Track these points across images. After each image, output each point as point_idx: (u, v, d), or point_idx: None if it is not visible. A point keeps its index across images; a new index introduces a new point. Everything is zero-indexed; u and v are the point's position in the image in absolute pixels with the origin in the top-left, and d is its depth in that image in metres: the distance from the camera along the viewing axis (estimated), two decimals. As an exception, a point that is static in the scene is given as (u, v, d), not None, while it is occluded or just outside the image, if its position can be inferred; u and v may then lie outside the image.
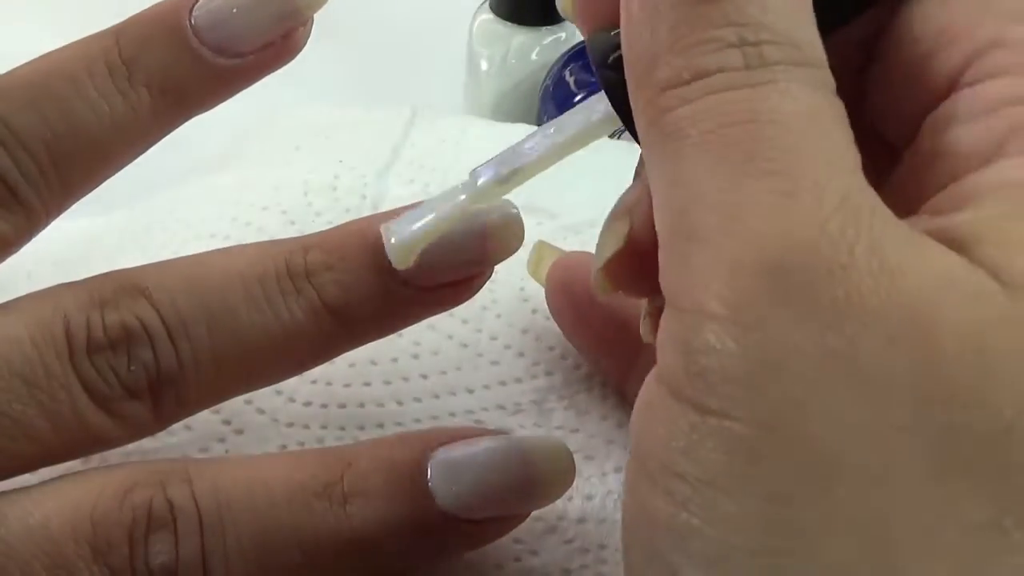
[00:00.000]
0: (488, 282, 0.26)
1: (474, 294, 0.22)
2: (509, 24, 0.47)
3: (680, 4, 0.15)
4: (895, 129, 0.17)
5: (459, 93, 0.50)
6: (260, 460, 0.20)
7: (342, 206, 0.27)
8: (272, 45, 0.21)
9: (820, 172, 0.14)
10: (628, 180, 0.19)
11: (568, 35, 0.48)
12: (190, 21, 0.20)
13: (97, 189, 0.25)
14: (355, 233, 0.21)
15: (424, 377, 0.24)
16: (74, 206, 0.21)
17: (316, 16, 0.22)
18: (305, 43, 0.21)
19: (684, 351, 0.14)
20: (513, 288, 0.26)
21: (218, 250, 0.21)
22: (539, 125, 0.34)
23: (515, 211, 0.21)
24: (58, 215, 0.20)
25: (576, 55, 0.46)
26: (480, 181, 0.19)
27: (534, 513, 0.21)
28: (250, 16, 0.20)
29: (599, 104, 0.18)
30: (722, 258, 0.14)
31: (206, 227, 0.27)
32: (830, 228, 0.13)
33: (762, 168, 0.14)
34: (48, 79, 0.20)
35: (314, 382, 0.24)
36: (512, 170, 0.19)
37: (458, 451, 0.20)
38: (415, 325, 0.23)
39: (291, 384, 0.23)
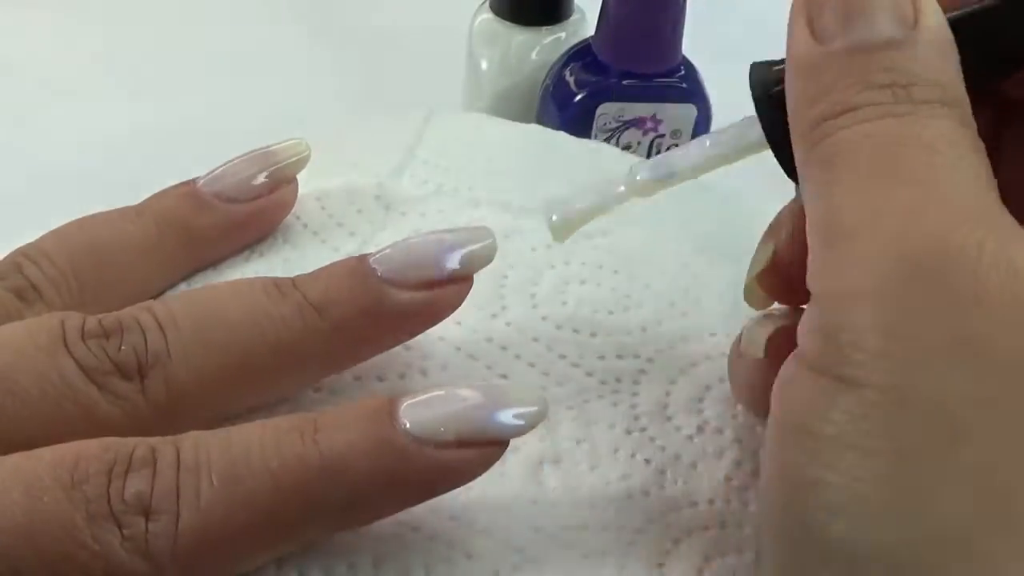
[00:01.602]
0: (498, 287, 0.26)
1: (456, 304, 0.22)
2: (509, 24, 0.47)
3: (839, 55, 0.18)
4: None
5: (459, 93, 0.50)
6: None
7: (354, 208, 0.27)
8: (260, 196, 0.26)
9: (957, 186, 0.17)
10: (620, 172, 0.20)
11: (568, 35, 0.48)
12: (196, 182, 0.25)
13: (88, 189, 0.27)
14: (344, 263, 0.22)
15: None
16: (70, 197, 0.24)
17: (316, 17, 0.24)
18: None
19: (825, 331, 0.17)
20: (524, 293, 0.26)
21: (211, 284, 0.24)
22: (539, 125, 0.34)
23: (491, 238, 0.23)
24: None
25: (576, 55, 0.46)
26: (639, 176, 0.21)
27: (535, 524, 0.21)
28: (242, 170, 0.26)
29: (753, 127, 0.20)
30: (866, 250, 0.16)
31: None
32: (964, 231, 0.16)
33: (906, 180, 0.17)
34: (83, 220, 0.24)
35: (318, 390, 0.23)
36: (670, 172, 0.21)
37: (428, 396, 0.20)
38: (424, 337, 0.23)
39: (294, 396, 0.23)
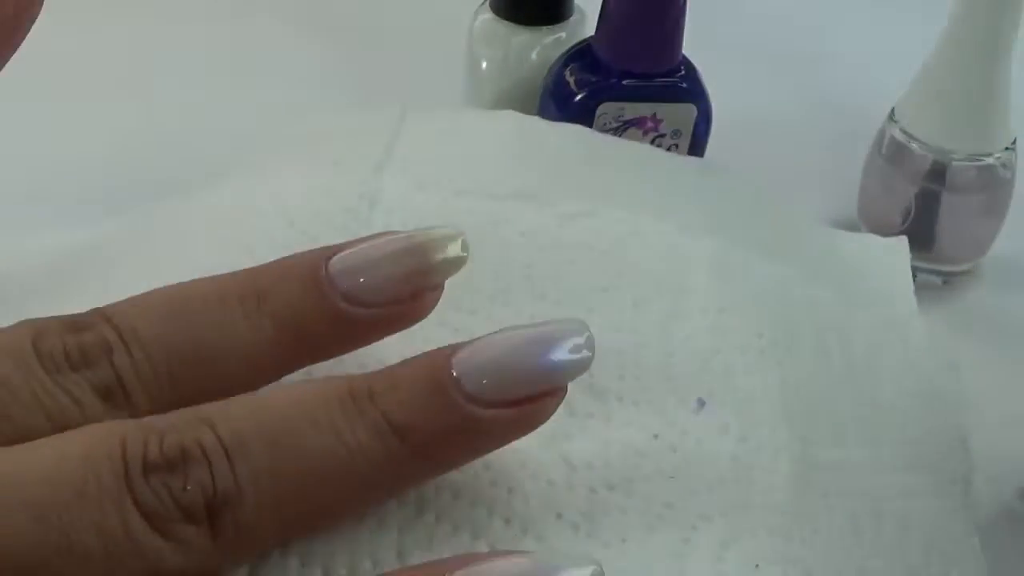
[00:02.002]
0: (493, 271, 0.26)
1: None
2: (509, 24, 0.47)
3: None
4: None
5: (459, 93, 0.50)
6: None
7: (340, 205, 0.28)
8: (400, 303, 0.22)
9: None
10: (623, 175, 0.20)
11: (568, 35, 0.48)
12: (326, 268, 0.21)
13: (88, 191, 0.25)
14: (423, 365, 0.20)
15: None
16: (70, 212, 0.21)
17: (315, 15, 0.23)
18: (433, 308, 0.22)
19: None
20: (519, 275, 0.26)
21: (279, 383, 0.21)
22: (511, 110, 0.34)
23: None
24: None
25: (576, 55, 0.46)
26: None
27: (556, 508, 0.21)
28: (383, 270, 0.21)
29: None
30: None
31: (213, 239, 0.27)
32: None
33: None
34: (183, 298, 0.21)
35: None
36: None
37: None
38: (427, 323, 0.23)
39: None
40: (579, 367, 0.20)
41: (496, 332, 0.20)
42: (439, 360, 0.20)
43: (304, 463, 0.19)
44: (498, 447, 0.21)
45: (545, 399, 0.20)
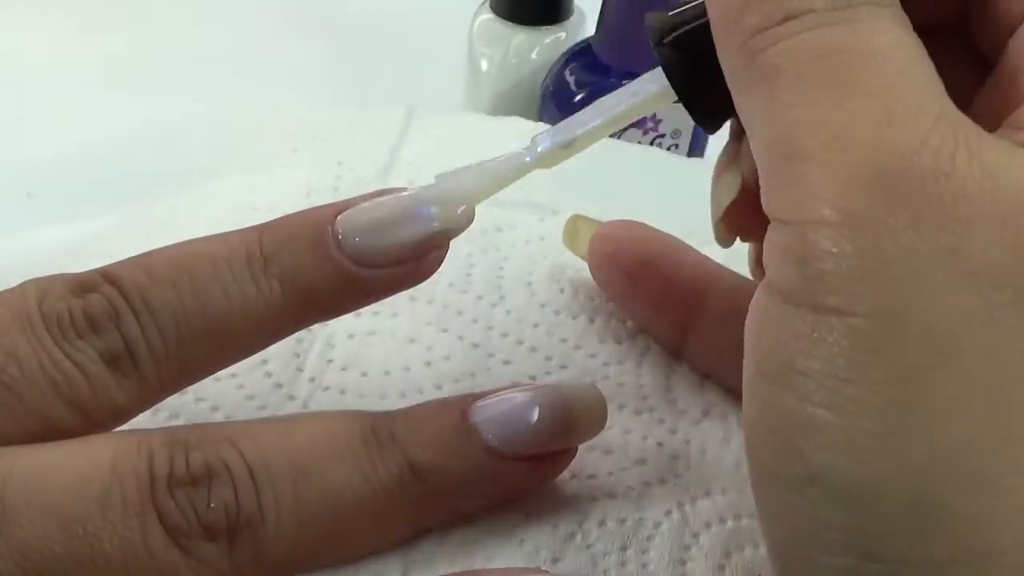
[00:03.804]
0: (495, 278, 0.26)
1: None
2: (509, 24, 0.47)
3: None
4: (989, 47, 0.18)
5: (459, 93, 0.50)
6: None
7: None
8: (406, 263, 0.21)
9: (915, 94, 0.15)
10: (624, 180, 0.20)
11: (568, 35, 0.48)
12: (333, 228, 0.21)
13: (87, 187, 0.24)
14: (441, 407, 0.21)
15: (438, 388, 0.24)
16: (69, 208, 0.21)
17: (316, 16, 0.22)
18: (438, 267, 0.21)
19: (798, 259, 0.15)
20: (521, 283, 0.26)
21: (303, 413, 0.22)
22: (518, 116, 0.34)
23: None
24: (170, 393, 0.20)
25: (576, 55, 0.46)
26: (541, 147, 0.21)
27: (553, 521, 0.21)
28: (390, 232, 0.21)
29: (653, 81, 0.20)
30: (833, 172, 0.15)
31: (209, 231, 0.27)
32: (932, 140, 0.15)
33: (862, 92, 0.15)
34: (190, 260, 0.20)
35: (327, 388, 0.23)
36: (573, 137, 0.21)
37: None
38: (425, 328, 0.23)
39: (304, 389, 0.23)
40: (594, 432, 0.21)
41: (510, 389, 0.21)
42: (460, 409, 0.20)
43: (327, 494, 0.19)
44: (511, 496, 0.21)
45: (559, 457, 0.21)
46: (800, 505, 0.16)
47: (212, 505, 0.18)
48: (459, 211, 0.21)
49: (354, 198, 0.21)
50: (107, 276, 0.20)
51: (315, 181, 0.28)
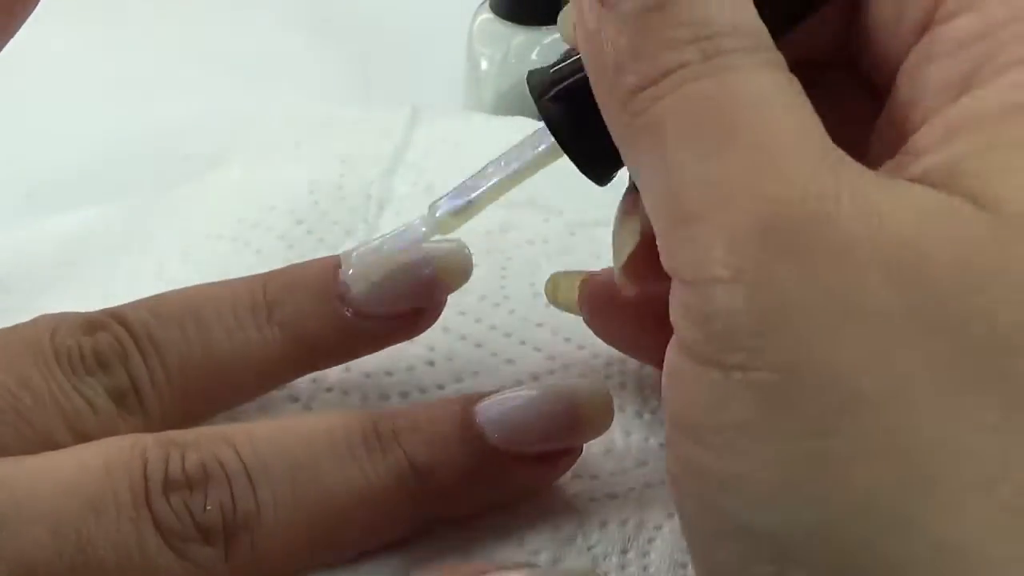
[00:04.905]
0: (498, 278, 0.26)
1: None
2: (509, 24, 0.47)
3: (631, 16, 0.16)
4: (880, 78, 0.18)
5: (459, 93, 0.50)
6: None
7: (347, 205, 0.28)
8: (403, 316, 0.22)
9: (793, 139, 0.15)
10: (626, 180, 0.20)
11: (568, 35, 0.48)
12: (334, 279, 0.22)
13: (88, 187, 0.24)
14: (443, 406, 0.21)
15: (440, 388, 0.24)
16: (69, 199, 0.22)
17: (316, 16, 0.23)
18: (438, 318, 0.22)
19: (699, 319, 0.15)
20: (524, 282, 0.26)
21: (304, 413, 0.22)
22: (539, 124, 0.34)
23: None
24: (168, 427, 0.20)
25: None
26: (439, 213, 0.21)
27: (553, 522, 0.21)
28: (390, 285, 0.22)
29: (541, 137, 0.20)
30: (719, 229, 0.15)
31: (212, 228, 0.27)
32: (813, 187, 0.15)
33: (740, 143, 0.15)
34: (197, 303, 0.21)
35: (329, 390, 0.23)
36: (467, 202, 0.21)
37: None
38: (432, 329, 0.23)
39: (306, 391, 0.23)
40: (601, 430, 0.21)
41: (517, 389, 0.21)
42: (464, 408, 0.21)
43: (326, 494, 0.19)
44: (513, 497, 0.21)
45: (563, 457, 0.21)
46: (727, 559, 0.16)
47: (208, 507, 0.18)
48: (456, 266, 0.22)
49: (358, 247, 0.22)
50: (116, 316, 0.21)
51: (318, 179, 0.28)
